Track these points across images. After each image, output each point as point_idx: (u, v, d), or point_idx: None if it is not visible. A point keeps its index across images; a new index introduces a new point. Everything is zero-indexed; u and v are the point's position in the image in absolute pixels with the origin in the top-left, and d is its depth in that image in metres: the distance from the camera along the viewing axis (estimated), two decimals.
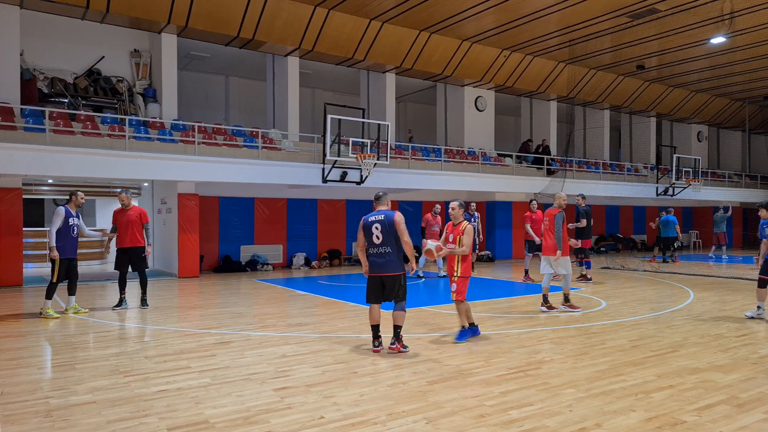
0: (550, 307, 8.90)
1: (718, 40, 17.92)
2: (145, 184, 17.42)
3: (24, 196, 13.37)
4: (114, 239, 9.42)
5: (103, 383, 5.12)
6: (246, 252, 16.39)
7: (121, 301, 9.38)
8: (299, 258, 16.95)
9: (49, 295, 8.58)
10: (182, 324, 8.12)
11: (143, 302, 9.50)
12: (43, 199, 19.34)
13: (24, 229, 13.17)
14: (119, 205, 9.48)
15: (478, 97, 20.83)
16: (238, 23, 14.94)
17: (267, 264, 16.31)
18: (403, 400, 4.66)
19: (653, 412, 4.38)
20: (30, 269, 15.96)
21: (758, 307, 8.34)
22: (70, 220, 8.63)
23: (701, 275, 14.56)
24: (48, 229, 8.61)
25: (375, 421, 4.17)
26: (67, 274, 8.71)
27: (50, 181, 16.31)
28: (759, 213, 8.60)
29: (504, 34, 17.59)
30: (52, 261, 8.57)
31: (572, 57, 19.87)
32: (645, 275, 14.55)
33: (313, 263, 17.05)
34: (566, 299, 9.04)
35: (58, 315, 8.61)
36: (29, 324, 8.11)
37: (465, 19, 16.27)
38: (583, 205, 13.09)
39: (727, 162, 31.26)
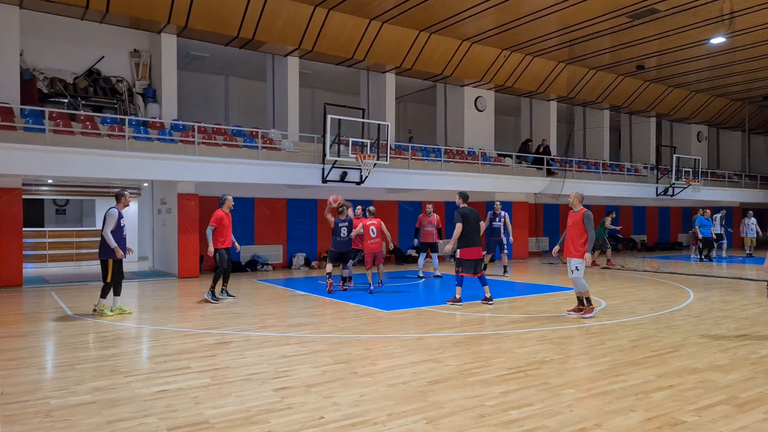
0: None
1: (718, 40, 17.92)
2: (145, 184, 17.42)
3: (24, 196, 13.37)
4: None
5: (103, 383, 5.12)
6: (246, 252, 16.36)
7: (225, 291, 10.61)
8: (299, 258, 16.95)
9: (104, 294, 8.65)
10: (182, 324, 8.12)
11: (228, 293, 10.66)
12: (43, 199, 19.35)
13: (24, 229, 13.17)
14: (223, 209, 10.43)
15: (478, 97, 20.83)
16: (238, 23, 14.94)
17: (267, 264, 16.30)
18: (403, 400, 4.66)
19: (653, 412, 4.38)
20: (30, 269, 15.97)
21: None
22: (122, 221, 8.76)
23: (701, 275, 14.56)
24: (101, 230, 8.71)
25: (375, 421, 4.17)
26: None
27: (50, 181, 16.31)
28: None
29: (504, 34, 17.59)
30: (104, 261, 8.60)
31: (572, 57, 19.88)
32: (645, 275, 14.55)
33: (313, 263, 17.05)
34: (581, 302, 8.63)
35: (112, 314, 8.65)
36: (29, 324, 8.11)
37: (465, 19, 16.28)
38: (462, 205, 9.80)
39: (726, 162, 31.26)
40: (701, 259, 18.78)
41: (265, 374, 5.41)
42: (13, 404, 4.56)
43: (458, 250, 9.39)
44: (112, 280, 8.64)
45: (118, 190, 9.00)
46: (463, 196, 9.75)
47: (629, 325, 7.83)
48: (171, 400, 4.66)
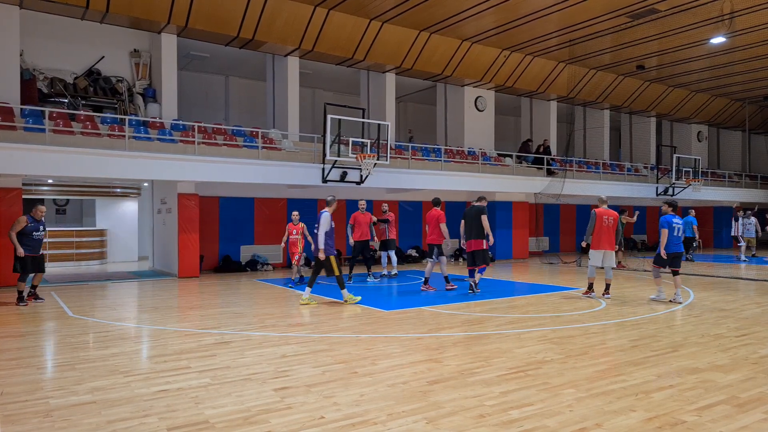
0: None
1: (718, 40, 17.92)
2: (145, 184, 17.42)
3: (24, 196, 13.36)
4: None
5: (103, 383, 5.12)
6: (246, 252, 16.39)
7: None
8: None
9: (342, 285, 9.76)
10: (182, 324, 8.12)
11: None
12: (43, 199, 19.34)
13: None
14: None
15: (478, 97, 20.83)
16: (238, 23, 14.94)
17: (267, 264, 16.31)
18: (403, 400, 4.66)
19: (653, 412, 4.38)
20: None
21: None
22: (332, 224, 9.70)
23: (701, 275, 14.55)
24: (316, 233, 9.77)
25: (375, 421, 4.17)
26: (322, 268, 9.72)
27: (50, 181, 16.31)
28: None
29: (504, 34, 17.59)
30: (322, 259, 9.51)
31: (572, 57, 19.87)
32: (645, 275, 14.55)
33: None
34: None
35: (314, 303, 9.71)
36: (29, 324, 8.11)
37: (465, 19, 16.27)
38: (476, 203, 10.91)
39: (727, 162, 31.26)
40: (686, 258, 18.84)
41: (265, 374, 5.41)
42: (13, 404, 4.56)
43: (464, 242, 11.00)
44: (340, 272, 9.63)
45: (330, 196, 9.85)
46: (481, 198, 11.13)
47: (629, 325, 7.83)
48: (171, 400, 4.66)
